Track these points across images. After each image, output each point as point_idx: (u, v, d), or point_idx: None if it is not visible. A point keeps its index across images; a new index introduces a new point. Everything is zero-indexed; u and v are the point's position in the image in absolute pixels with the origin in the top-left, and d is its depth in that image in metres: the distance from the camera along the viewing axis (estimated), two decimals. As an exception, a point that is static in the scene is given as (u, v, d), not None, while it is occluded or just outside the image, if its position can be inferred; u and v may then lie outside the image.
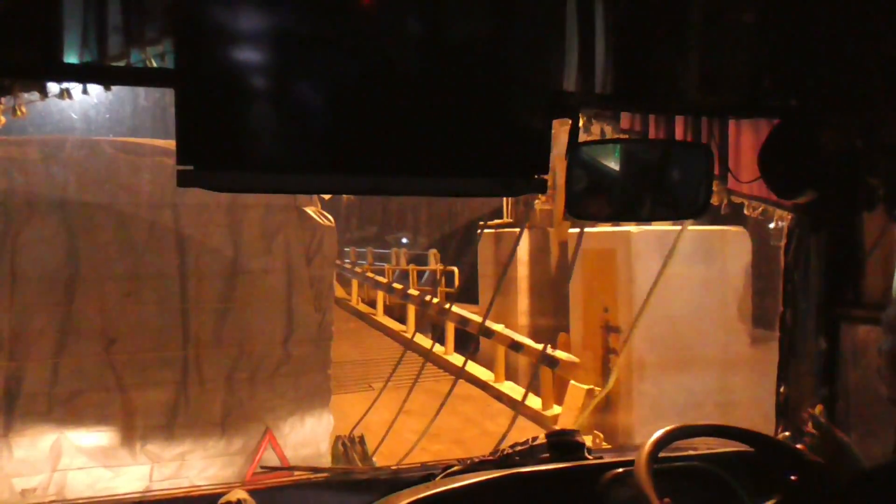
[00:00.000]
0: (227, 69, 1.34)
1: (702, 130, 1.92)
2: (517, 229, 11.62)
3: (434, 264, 17.58)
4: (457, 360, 11.47)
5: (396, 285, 15.65)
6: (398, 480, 1.69)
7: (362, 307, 17.13)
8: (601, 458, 1.69)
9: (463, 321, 11.82)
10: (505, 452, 1.71)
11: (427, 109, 1.43)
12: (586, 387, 8.26)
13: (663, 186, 1.78)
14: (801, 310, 1.82)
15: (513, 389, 10.07)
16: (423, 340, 13.18)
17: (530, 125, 1.51)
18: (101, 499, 2.21)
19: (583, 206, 1.74)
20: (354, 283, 18.08)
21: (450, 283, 15.16)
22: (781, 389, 1.84)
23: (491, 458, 1.71)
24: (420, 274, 17.49)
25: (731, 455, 1.67)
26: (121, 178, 4.74)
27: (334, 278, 5.26)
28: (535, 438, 1.71)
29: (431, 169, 1.48)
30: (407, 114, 1.42)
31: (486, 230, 13.08)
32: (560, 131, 1.65)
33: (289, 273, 5.03)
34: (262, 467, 4.77)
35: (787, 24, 1.76)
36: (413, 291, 14.82)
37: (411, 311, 14.32)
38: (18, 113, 1.61)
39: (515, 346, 10.08)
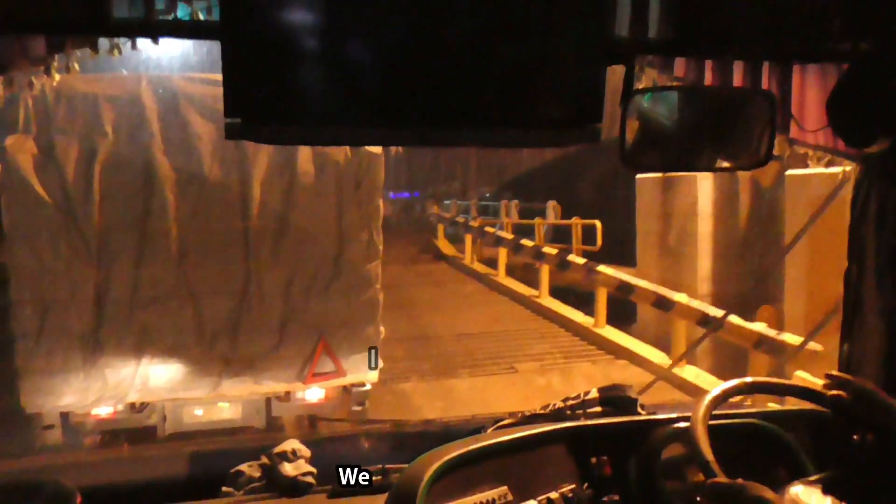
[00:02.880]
0: (272, 21, 1.18)
1: (762, 77, 1.67)
2: (696, 173, 8.21)
3: (553, 217, 14.24)
4: (611, 334, 9.04)
5: (526, 241, 12.45)
6: (449, 433, 1.58)
7: (478, 266, 14.27)
8: (654, 413, 1.56)
9: (624, 287, 8.85)
10: (556, 406, 1.58)
11: (475, 58, 1.26)
12: (822, 381, 6.26)
13: (722, 135, 1.56)
14: (868, 265, 1.62)
15: (699, 377, 7.18)
16: (562, 308, 10.56)
17: (582, 73, 1.31)
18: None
19: (638, 157, 1.54)
20: (468, 238, 14.77)
21: (589, 239, 12.04)
22: (845, 347, 1.65)
23: (542, 412, 1.59)
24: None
25: (790, 413, 1.52)
26: (190, 110, 4.72)
27: (381, 202, 5.16)
28: (587, 393, 1.58)
29: (480, 120, 1.31)
30: (454, 63, 1.25)
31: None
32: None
33: (339, 195, 4.94)
34: (317, 374, 4.88)
35: None
36: (549, 250, 11.55)
37: (545, 272, 11.27)
38: (71, 70, 1.48)
39: (707, 323, 7.06)
